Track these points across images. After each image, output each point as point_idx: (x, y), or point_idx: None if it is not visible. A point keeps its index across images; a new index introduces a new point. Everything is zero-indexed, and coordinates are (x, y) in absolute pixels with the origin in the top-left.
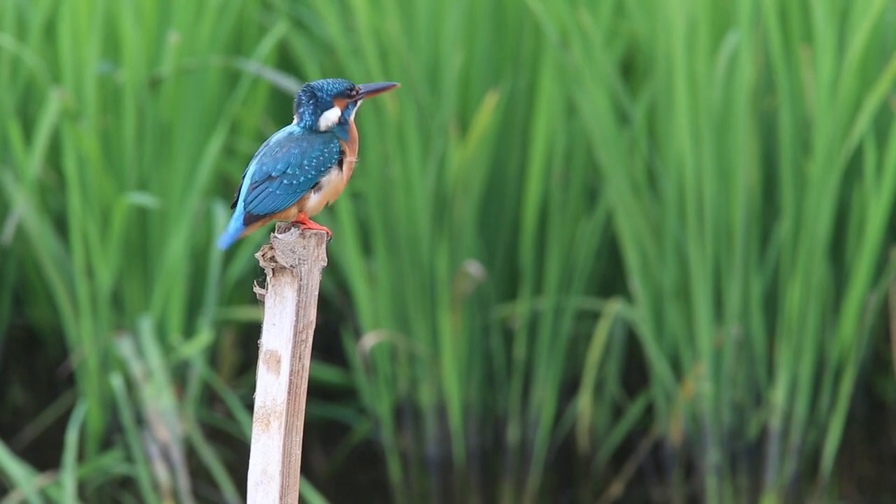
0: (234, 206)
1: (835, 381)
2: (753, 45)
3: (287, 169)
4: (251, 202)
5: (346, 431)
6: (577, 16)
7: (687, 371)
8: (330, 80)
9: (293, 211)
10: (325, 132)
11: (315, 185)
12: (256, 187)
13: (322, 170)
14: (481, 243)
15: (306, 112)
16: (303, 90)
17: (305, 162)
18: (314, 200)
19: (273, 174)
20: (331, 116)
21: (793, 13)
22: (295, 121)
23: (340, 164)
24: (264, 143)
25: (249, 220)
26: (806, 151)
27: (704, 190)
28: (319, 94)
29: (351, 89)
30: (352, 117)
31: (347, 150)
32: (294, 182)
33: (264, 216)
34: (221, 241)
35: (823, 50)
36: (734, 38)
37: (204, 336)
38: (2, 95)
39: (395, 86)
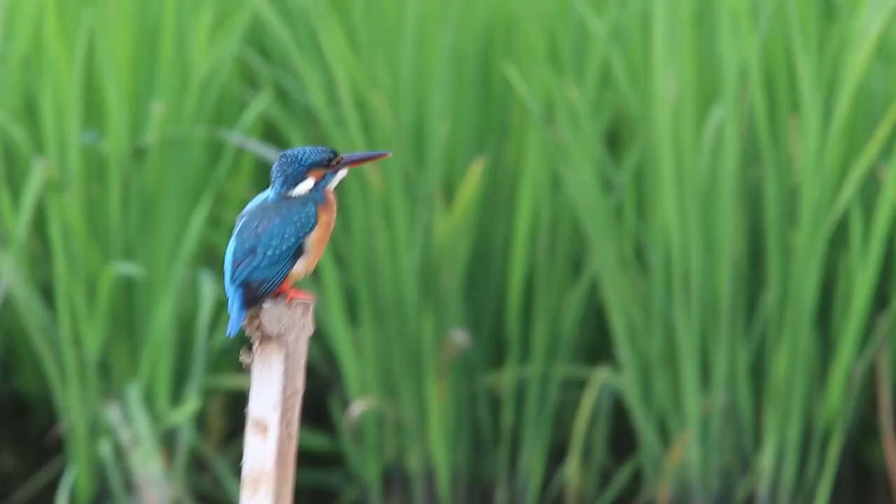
0: (226, 290)
1: (822, 448)
2: (739, 118)
3: (270, 240)
4: (238, 277)
5: (334, 497)
6: (563, 87)
7: (674, 437)
8: (308, 149)
9: (285, 284)
10: (300, 196)
11: (297, 252)
12: (240, 264)
13: (301, 235)
14: (467, 311)
15: (277, 182)
16: (278, 159)
17: (286, 231)
18: (298, 267)
19: (256, 248)
20: (302, 189)
21: (779, 84)
22: (272, 186)
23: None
24: (239, 217)
25: (247, 297)
26: (792, 221)
27: (690, 260)
28: (293, 165)
29: (331, 159)
30: (330, 186)
31: (324, 214)
32: (277, 252)
33: (259, 290)
34: (229, 329)
35: (809, 119)
36: (720, 112)
37: (191, 403)
38: None
39: (385, 155)
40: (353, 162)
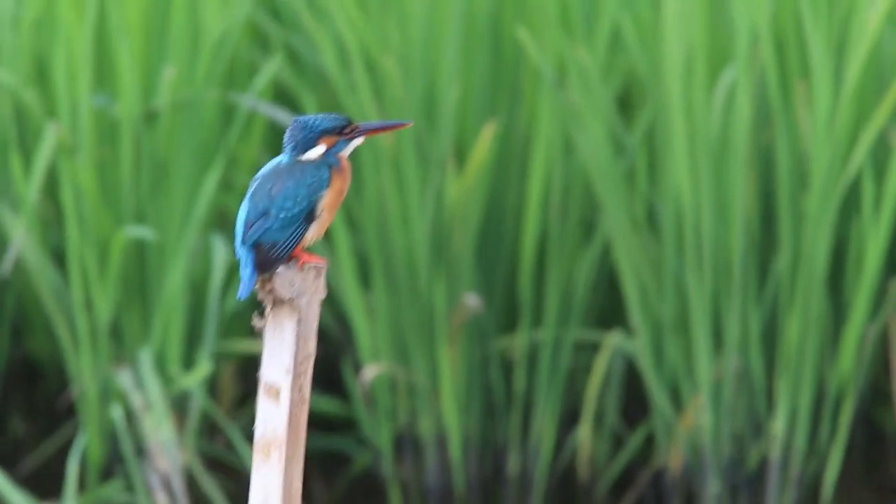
0: (236, 252)
1: (834, 412)
2: (751, 79)
3: (283, 202)
4: (250, 239)
5: (346, 462)
6: (573, 50)
7: (686, 402)
8: (321, 116)
9: (297, 248)
10: (315, 160)
11: (310, 215)
12: (252, 226)
13: (314, 198)
14: (480, 275)
15: (289, 147)
16: (291, 125)
17: (299, 193)
18: (310, 231)
19: (269, 210)
20: (313, 155)
21: (789, 47)
22: (284, 151)
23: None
24: (253, 180)
25: (259, 259)
26: (803, 185)
27: (702, 223)
28: (304, 131)
29: (343, 127)
30: (344, 153)
31: (337, 179)
32: (290, 215)
33: (271, 253)
34: (240, 292)
35: (820, 83)
36: (731, 73)
37: (203, 368)
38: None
39: (404, 125)
40: (369, 131)
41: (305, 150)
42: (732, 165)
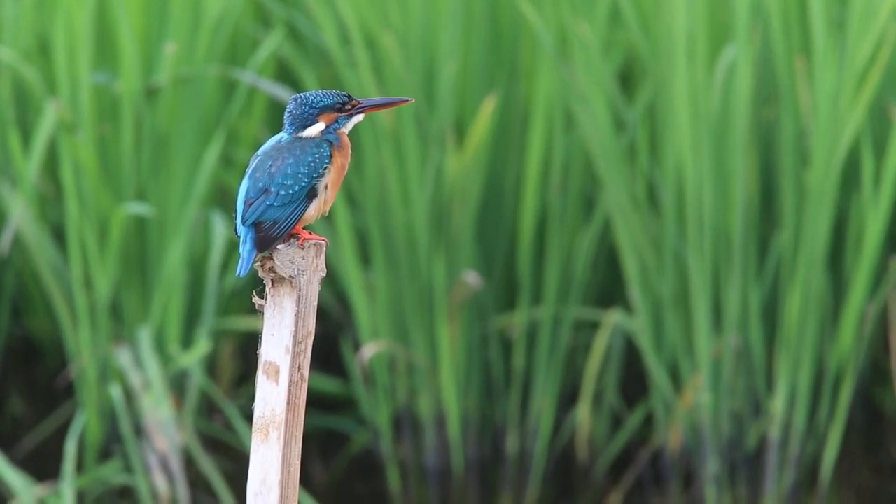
0: (236, 230)
1: (833, 392)
2: (751, 56)
3: (284, 180)
4: (250, 217)
5: (345, 442)
6: (575, 24)
7: (686, 381)
8: (321, 93)
9: (298, 226)
10: (314, 137)
11: (311, 193)
12: (252, 204)
13: (314, 175)
14: (479, 253)
15: (287, 123)
16: (291, 101)
17: (299, 171)
18: (311, 209)
19: (269, 188)
20: (312, 131)
21: (792, 24)
22: (284, 128)
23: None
24: (253, 157)
25: (259, 237)
26: (804, 161)
27: (703, 200)
28: (303, 108)
29: (343, 103)
30: (344, 129)
31: (338, 155)
32: (290, 192)
33: (271, 231)
34: (239, 269)
35: (823, 60)
36: (732, 50)
37: (202, 346)
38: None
39: (404, 101)
40: (370, 107)
41: (305, 127)
42: (733, 142)
